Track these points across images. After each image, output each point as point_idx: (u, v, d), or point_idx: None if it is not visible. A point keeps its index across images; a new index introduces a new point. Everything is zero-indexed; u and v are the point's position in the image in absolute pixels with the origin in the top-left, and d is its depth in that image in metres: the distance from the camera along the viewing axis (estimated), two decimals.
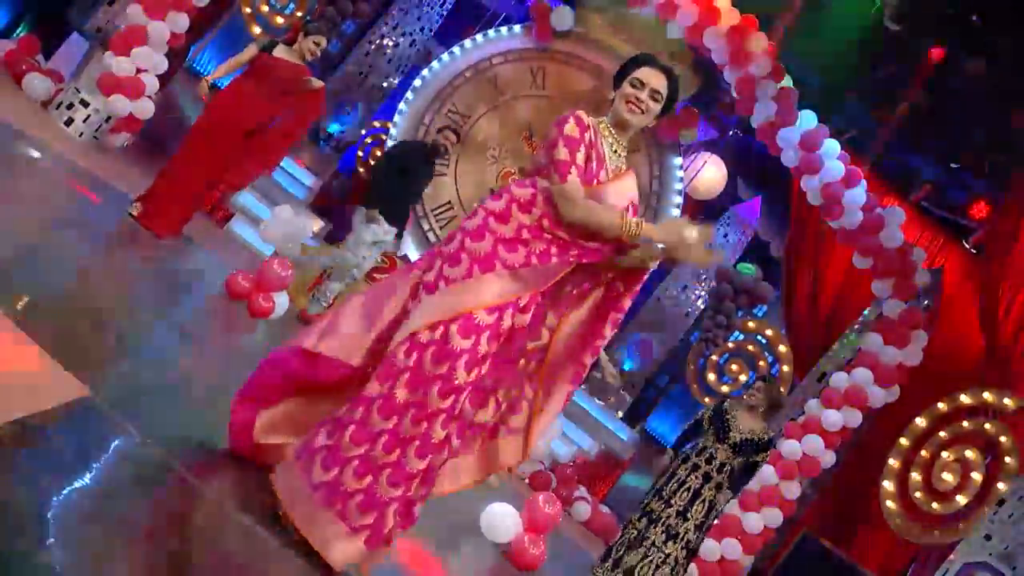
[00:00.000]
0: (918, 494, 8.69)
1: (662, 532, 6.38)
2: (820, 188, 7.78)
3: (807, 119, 7.74)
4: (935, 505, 8.56)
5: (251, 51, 6.10)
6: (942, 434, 8.73)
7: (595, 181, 2.96)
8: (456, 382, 2.73)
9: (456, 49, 10.43)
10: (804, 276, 10.08)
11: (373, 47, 12.52)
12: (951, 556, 7.33)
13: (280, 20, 10.12)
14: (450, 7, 12.82)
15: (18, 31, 8.78)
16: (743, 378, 10.64)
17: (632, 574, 6.37)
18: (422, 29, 12.69)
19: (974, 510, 8.19)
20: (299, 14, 10.06)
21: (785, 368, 10.55)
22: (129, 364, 3.46)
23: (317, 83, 6.31)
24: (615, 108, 3.05)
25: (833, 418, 7.68)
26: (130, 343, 3.71)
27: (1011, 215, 8.77)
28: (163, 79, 7.93)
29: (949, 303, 8.75)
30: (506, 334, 2.87)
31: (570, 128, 2.92)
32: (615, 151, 3.09)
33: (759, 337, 11.34)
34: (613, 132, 3.08)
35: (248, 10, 10.04)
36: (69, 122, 7.24)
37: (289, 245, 7.74)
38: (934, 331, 8.02)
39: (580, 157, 2.92)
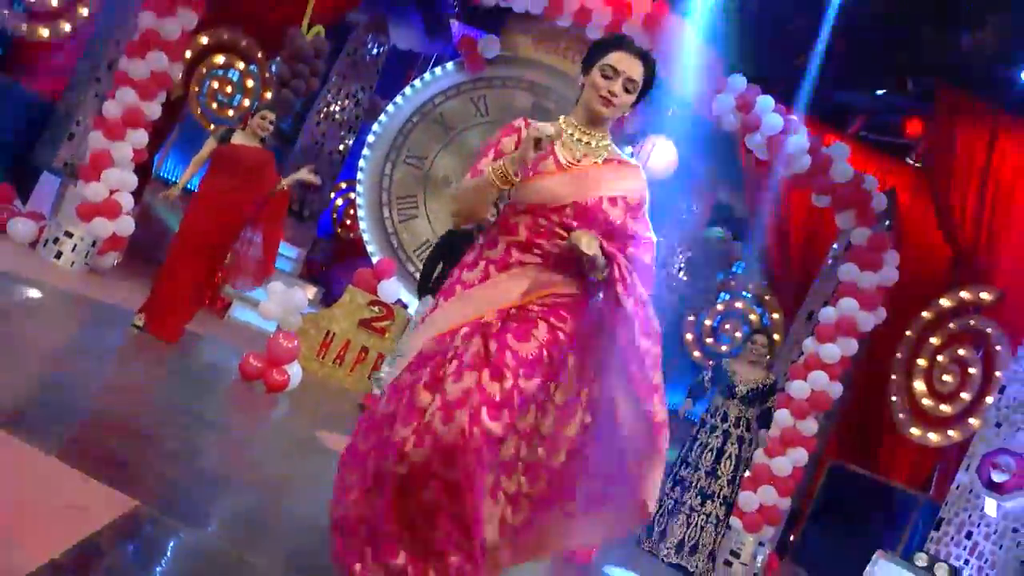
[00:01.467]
0: (925, 401, 8.72)
1: (696, 495, 6.43)
2: (765, 142, 7.86)
3: (736, 82, 7.83)
4: (943, 407, 8.60)
5: (210, 145, 6.05)
6: (933, 340, 8.79)
7: (529, 174, 2.54)
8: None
9: (399, 99, 10.54)
10: (770, 226, 10.15)
11: (322, 116, 12.62)
12: (969, 451, 7.35)
13: (231, 112, 10.14)
14: (384, 62, 12.95)
15: None
16: (738, 335, 10.67)
17: (681, 542, 6.42)
18: (363, 88, 12.82)
19: (979, 403, 8.23)
20: (246, 102, 10.09)
21: (775, 315, 10.58)
22: (168, 466, 3.45)
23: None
24: (585, 100, 2.62)
25: (830, 351, 7.71)
26: (165, 446, 3.69)
27: (943, 125, 8.87)
28: (136, 194, 7.96)
29: (908, 219, 8.83)
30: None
31: (491, 138, 2.66)
32: (587, 143, 2.63)
33: (744, 293, 11.39)
34: (581, 128, 2.64)
35: (199, 111, 10.08)
36: (58, 255, 7.20)
37: (289, 318, 7.77)
38: (902, 248, 8.09)
39: (486, 162, 2.56)
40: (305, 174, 6.20)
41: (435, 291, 7.00)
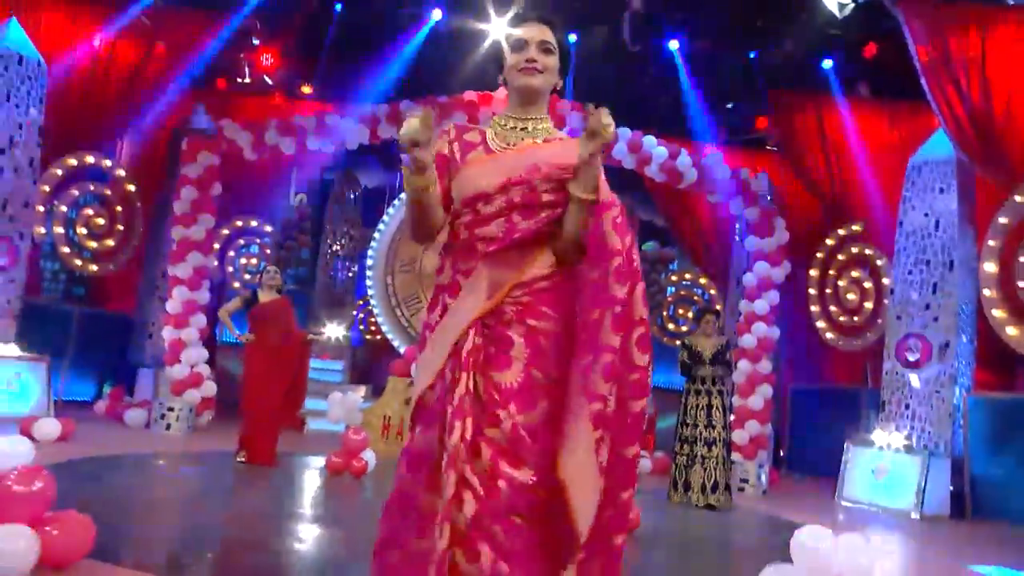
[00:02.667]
0: (842, 318, 8.93)
1: (703, 444, 6.47)
2: (658, 169, 8.16)
3: (623, 132, 8.08)
4: (855, 318, 8.81)
5: (236, 301, 6.27)
6: (831, 272, 9.03)
7: (458, 165, 1.93)
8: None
9: (381, 225, 10.73)
10: (685, 226, 10.38)
11: (328, 255, 12.77)
12: (885, 344, 7.53)
13: (247, 276, 10.47)
14: (362, 201, 13.13)
15: (104, 389, 8.98)
16: (690, 315, 10.83)
17: (702, 485, 6.51)
18: (352, 225, 12.96)
19: (880, 306, 8.44)
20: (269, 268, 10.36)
21: (712, 292, 10.76)
22: (306, 569, 3.46)
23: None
24: (511, 83, 1.94)
25: (760, 305, 7.91)
26: (296, 554, 3.66)
27: (782, 117, 9.26)
28: (210, 361, 8.13)
29: (783, 192, 9.10)
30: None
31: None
32: (523, 128, 1.94)
33: (684, 282, 11.61)
34: (515, 116, 1.96)
35: (236, 283, 10.26)
36: (168, 427, 7.30)
37: (352, 416, 7.81)
38: (786, 213, 8.34)
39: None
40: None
41: None
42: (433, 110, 2.00)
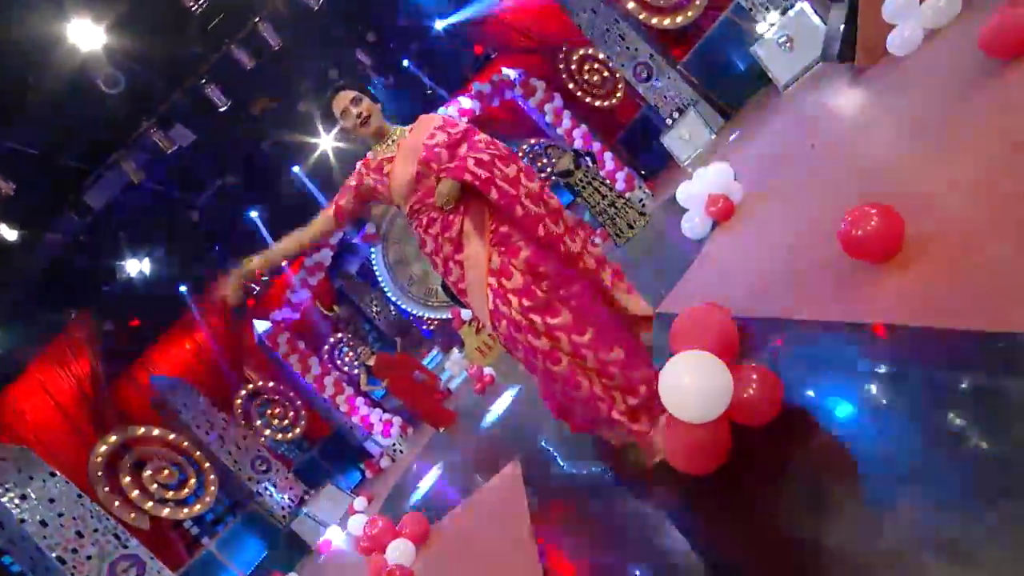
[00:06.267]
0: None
1: (608, 206, 7.87)
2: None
3: None
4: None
5: (363, 376, 8.51)
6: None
7: (386, 180, 2.53)
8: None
9: (377, 270, 13.79)
10: None
11: (375, 310, 15.25)
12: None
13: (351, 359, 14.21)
14: (357, 275, 15.19)
15: (362, 472, 11.49)
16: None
17: (624, 225, 7.81)
18: (373, 293, 15.23)
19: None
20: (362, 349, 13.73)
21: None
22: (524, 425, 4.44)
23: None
24: (356, 136, 2.54)
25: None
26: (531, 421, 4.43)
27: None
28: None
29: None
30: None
31: (351, 178, 2.65)
32: (388, 144, 2.57)
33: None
34: (379, 144, 2.59)
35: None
36: (402, 451, 10.99)
37: (462, 363, 10.66)
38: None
39: (348, 199, 2.63)
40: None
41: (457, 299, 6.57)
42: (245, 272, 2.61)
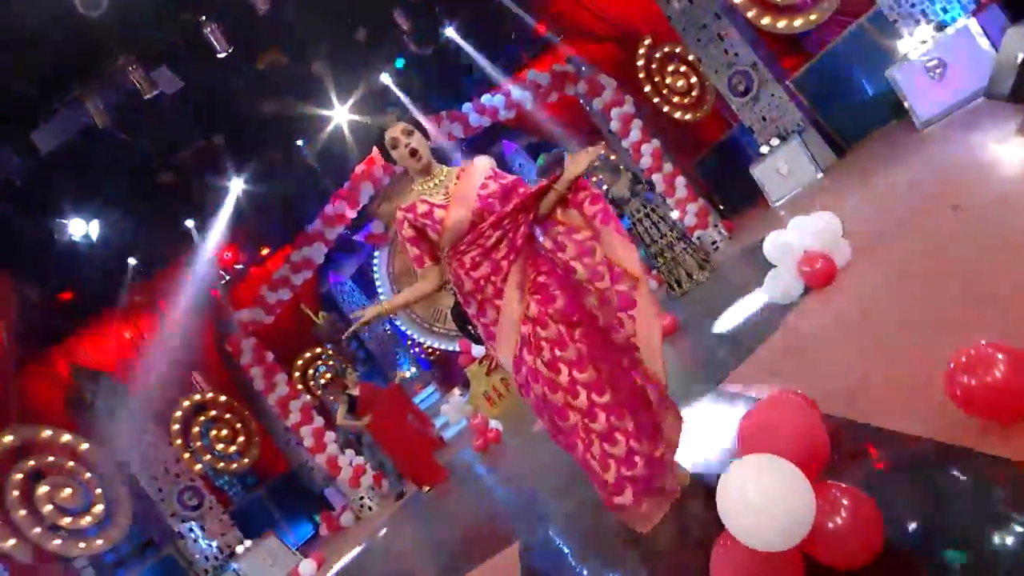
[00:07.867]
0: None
1: (666, 248, 8.38)
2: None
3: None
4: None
5: (342, 408, 8.47)
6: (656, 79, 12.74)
7: (438, 227, 3.04)
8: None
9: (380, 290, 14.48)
10: None
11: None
12: None
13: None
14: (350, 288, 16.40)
15: (316, 520, 11.75)
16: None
17: (682, 273, 8.36)
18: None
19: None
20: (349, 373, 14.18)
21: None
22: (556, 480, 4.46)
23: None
24: (406, 167, 3.12)
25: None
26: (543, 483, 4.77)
27: None
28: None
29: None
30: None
31: (403, 232, 3.14)
32: (434, 185, 3.12)
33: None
34: (424, 180, 3.14)
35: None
36: (371, 509, 11.37)
37: (464, 409, 11.11)
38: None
39: (414, 250, 3.14)
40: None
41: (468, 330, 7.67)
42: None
